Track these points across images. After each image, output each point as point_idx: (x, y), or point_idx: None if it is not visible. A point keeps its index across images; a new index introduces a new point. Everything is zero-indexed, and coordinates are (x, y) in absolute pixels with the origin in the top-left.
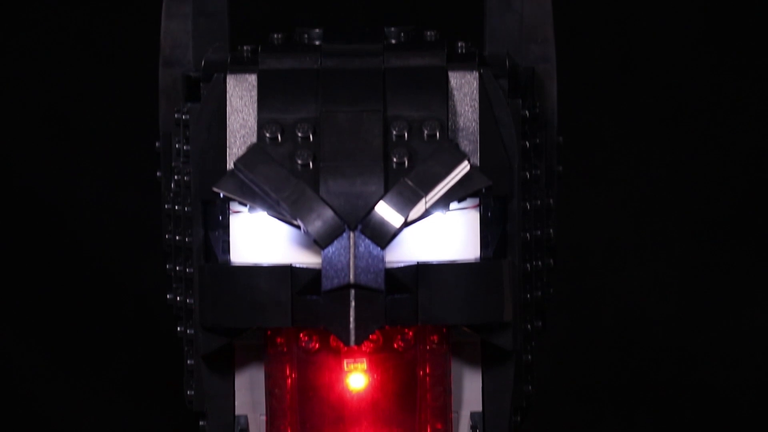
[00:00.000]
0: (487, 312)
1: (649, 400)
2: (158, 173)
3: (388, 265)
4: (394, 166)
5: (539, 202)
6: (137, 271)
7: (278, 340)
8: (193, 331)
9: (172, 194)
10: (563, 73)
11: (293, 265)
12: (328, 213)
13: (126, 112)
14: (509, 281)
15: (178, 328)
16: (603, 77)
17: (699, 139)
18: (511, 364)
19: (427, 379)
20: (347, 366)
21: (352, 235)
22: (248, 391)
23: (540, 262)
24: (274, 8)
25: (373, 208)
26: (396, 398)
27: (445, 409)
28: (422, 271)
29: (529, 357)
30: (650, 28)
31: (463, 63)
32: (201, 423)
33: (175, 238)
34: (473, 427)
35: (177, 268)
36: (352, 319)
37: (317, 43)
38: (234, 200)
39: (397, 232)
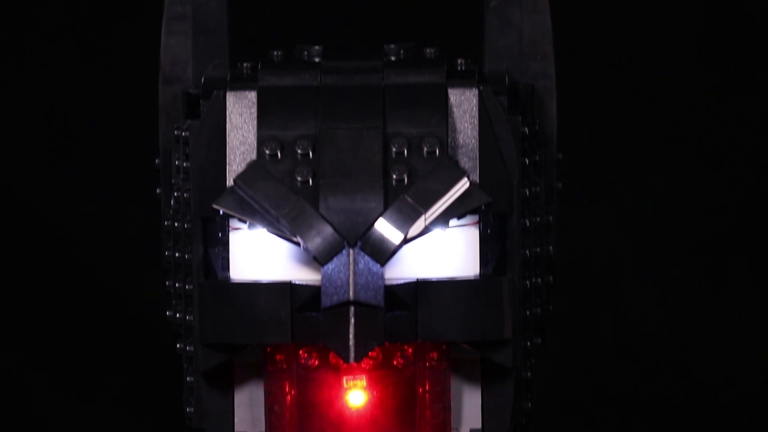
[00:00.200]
0: (486, 329)
1: (649, 417)
2: (158, 190)
3: (388, 282)
4: (394, 182)
5: (539, 219)
6: (137, 288)
7: (278, 357)
8: (192, 348)
9: (171, 211)
10: (563, 90)
11: (293, 281)
12: (328, 230)
13: (126, 129)
14: (509, 298)
15: (178, 345)
16: (602, 94)
17: (698, 156)
18: (511, 381)
19: (427, 396)
20: (347, 383)
21: (351, 251)
22: (248, 408)
23: (539, 279)
24: (273, 25)
25: (372, 224)
26: (395, 415)
27: (444, 426)
28: (422, 287)
29: (529, 374)
30: (650, 46)
31: (463, 80)
32: None
33: (175, 254)
34: None
35: (176, 284)
36: (351, 335)
37: (317, 60)
38: (234, 217)
39: (396, 249)
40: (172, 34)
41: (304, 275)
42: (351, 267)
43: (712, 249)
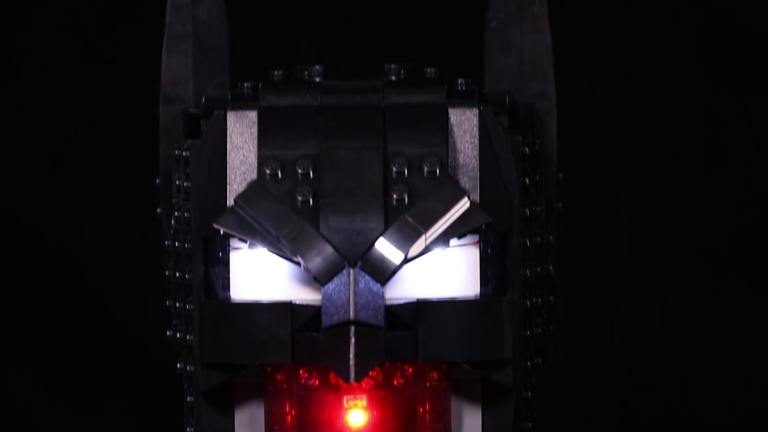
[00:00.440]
0: (487, 349)
1: None
2: (158, 210)
3: (388, 302)
4: (394, 202)
5: (539, 239)
6: (137, 308)
7: (278, 376)
8: (192, 368)
9: (172, 231)
10: (563, 109)
11: (293, 301)
12: (328, 249)
13: (126, 149)
14: (509, 318)
15: (178, 365)
16: (602, 114)
17: (698, 176)
18: (511, 401)
19: (427, 416)
20: (347, 403)
21: (352, 271)
22: (248, 428)
23: (540, 299)
24: (274, 45)
25: (373, 244)
26: None
27: None
28: (422, 307)
29: (529, 394)
30: (650, 65)
31: (463, 100)
32: None
33: (175, 274)
34: None
35: (177, 304)
36: (351, 355)
37: (317, 79)
38: (234, 237)
39: (397, 269)
40: (173, 53)
41: (304, 295)
42: (351, 287)
43: (712, 268)
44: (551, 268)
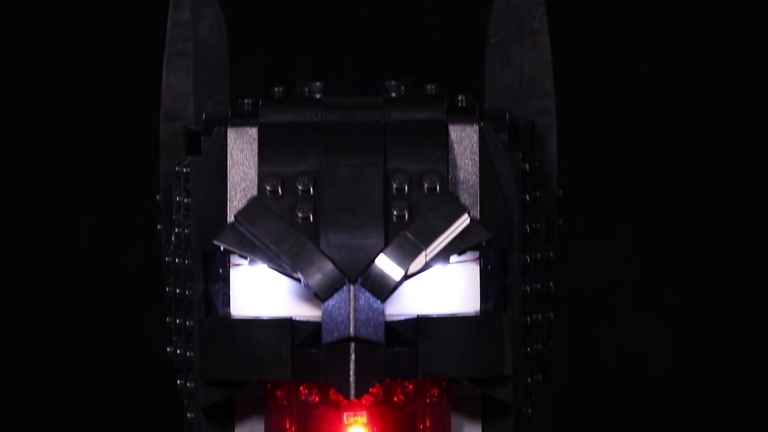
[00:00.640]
0: (487, 365)
1: None
2: (159, 226)
3: (388, 318)
4: (395, 219)
5: (539, 256)
6: (137, 324)
7: (278, 393)
8: (193, 384)
9: (172, 247)
10: (563, 126)
11: (293, 318)
12: (329, 266)
13: (126, 165)
14: (509, 334)
15: (178, 381)
16: (602, 130)
17: (697, 191)
18: (511, 418)
19: None
20: (347, 419)
21: (352, 288)
22: None
23: (540, 316)
24: (274, 61)
25: (373, 261)
26: None
27: None
28: (422, 324)
29: (529, 410)
30: (649, 82)
31: (463, 116)
32: None
33: (176, 291)
34: None
35: (177, 321)
36: (352, 372)
37: (318, 96)
38: (234, 253)
39: (397, 285)
40: (173, 70)
41: (304, 311)
42: (351, 303)
43: (711, 283)
44: (551, 284)
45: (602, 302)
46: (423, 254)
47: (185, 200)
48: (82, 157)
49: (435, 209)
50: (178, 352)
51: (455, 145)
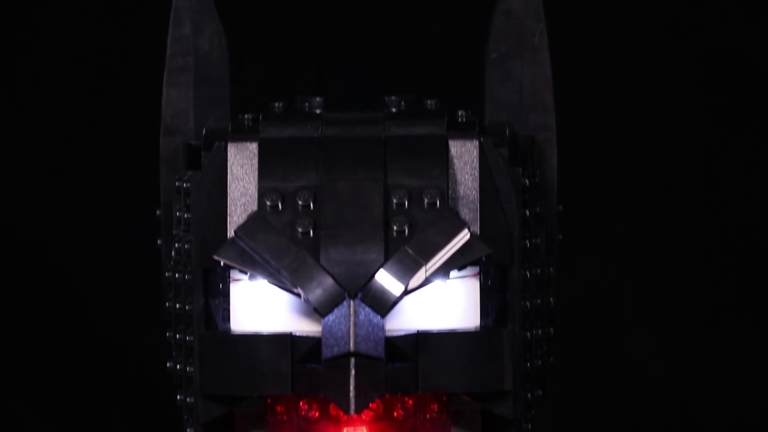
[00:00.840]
0: (487, 380)
1: None
2: (159, 241)
3: (388, 334)
4: (395, 234)
5: (539, 271)
6: (137, 339)
7: (278, 408)
8: (193, 400)
9: (172, 262)
10: (563, 141)
11: (293, 333)
12: (329, 281)
13: (126, 180)
14: (509, 350)
15: (178, 396)
16: (602, 145)
17: (697, 206)
18: None
19: None
20: None
21: (352, 303)
22: None
23: (540, 331)
24: (274, 77)
25: (373, 276)
26: None
27: None
28: (422, 339)
29: (530, 426)
30: (649, 97)
31: (464, 132)
32: None
33: (176, 306)
34: None
35: (177, 336)
36: (352, 387)
37: (318, 111)
38: (234, 268)
39: (397, 301)
40: (173, 85)
41: (304, 326)
42: (352, 318)
43: (713, 298)
44: (551, 299)
45: (602, 317)
46: (423, 269)
47: (185, 215)
48: (81, 172)
49: (435, 224)
50: (178, 367)
51: (455, 161)
